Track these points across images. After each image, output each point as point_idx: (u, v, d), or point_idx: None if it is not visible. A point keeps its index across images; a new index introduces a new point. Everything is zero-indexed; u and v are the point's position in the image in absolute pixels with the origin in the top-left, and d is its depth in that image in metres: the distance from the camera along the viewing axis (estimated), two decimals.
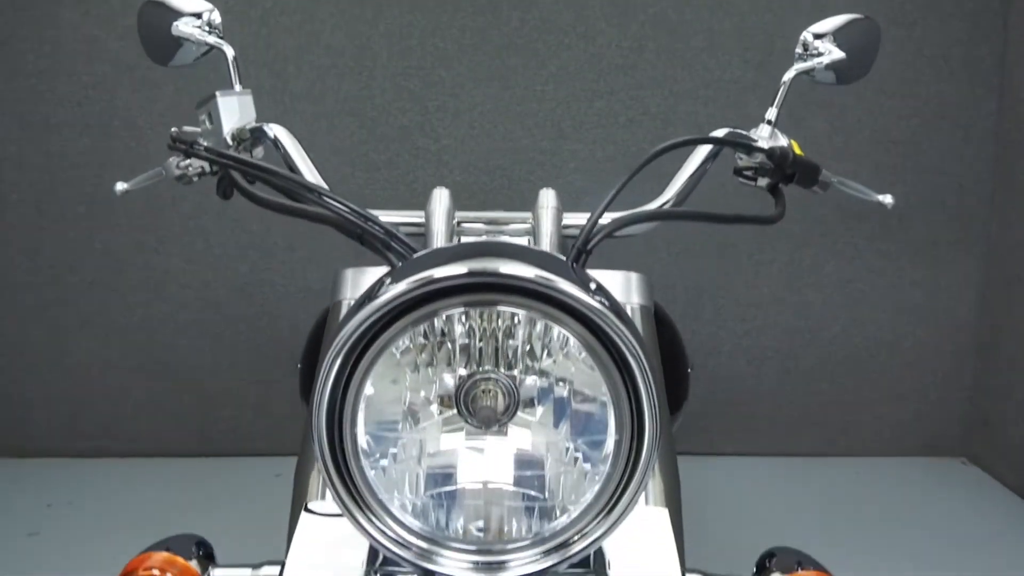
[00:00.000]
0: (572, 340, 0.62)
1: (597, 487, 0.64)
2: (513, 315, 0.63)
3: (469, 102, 2.47)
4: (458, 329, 0.63)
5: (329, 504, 0.75)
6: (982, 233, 2.61)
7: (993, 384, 2.62)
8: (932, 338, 2.65)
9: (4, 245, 2.52)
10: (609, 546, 0.71)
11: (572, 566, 0.69)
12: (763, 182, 1.03)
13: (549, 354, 0.63)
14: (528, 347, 0.64)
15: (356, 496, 0.63)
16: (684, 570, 0.70)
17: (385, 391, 0.64)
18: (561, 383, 0.64)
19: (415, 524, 0.65)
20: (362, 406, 0.62)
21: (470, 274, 0.59)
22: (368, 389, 0.63)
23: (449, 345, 0.64)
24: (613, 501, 0.63)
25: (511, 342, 0.63)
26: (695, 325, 2.56)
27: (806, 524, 2.28)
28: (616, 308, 0.61)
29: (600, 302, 0.60)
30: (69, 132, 2.48)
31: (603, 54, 2.46)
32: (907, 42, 2.48)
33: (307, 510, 0.74)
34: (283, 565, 0.69)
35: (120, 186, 1.13)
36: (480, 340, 0.63)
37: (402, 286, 0.59)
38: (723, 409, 2.66)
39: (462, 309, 0.62)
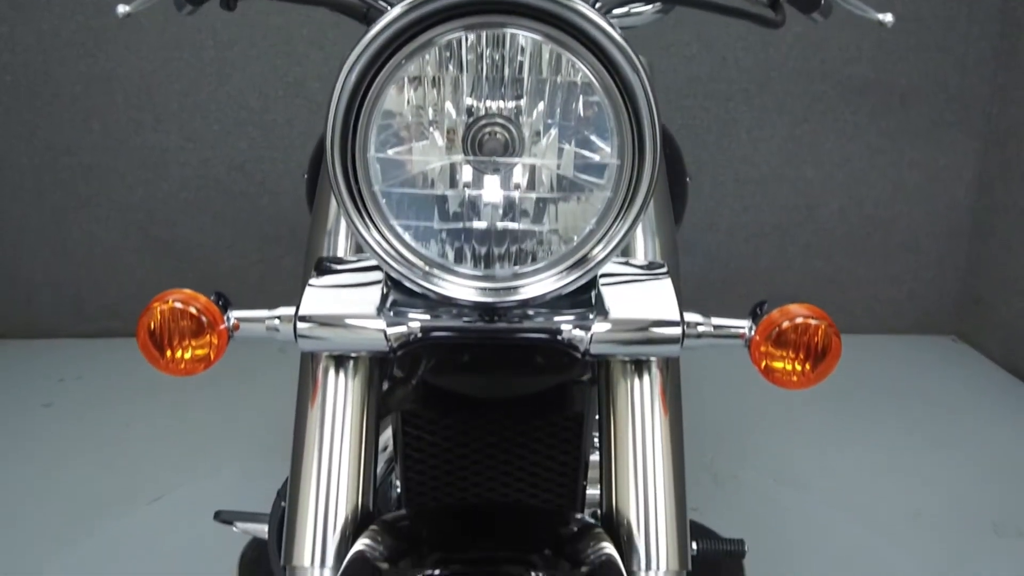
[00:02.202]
0: (581, 68, 0.63)
1: (598, 214, 0.66)
2: (518, 59, 0.64)
3: None
4: (464, 60, 0.64)
5: (333, 277, 0.76)
6: (983, 114, 2.60)
7: (986, 264, 2.65)
8: (928, 218, 2.67)
9: (0, 128, 2.51)
10: (609, 293, 0.73)
11: (575, 305, 0.72)
12: None
13: (557, 70, 0.64)
14: (535, 76, 0.64)
15: (367, 219, 0.65)
16: (682, 311, 0.72)
17: (392, 121, 0.65)
18: (565, 111, 0.65)
19: (423, 250, 0.67)
20: (372, 134, 0.64)
21: None
22: (376, 118, 0.64)
23: (455, 73, 0.64)
24: (615, 223, 0.65)
25: (520, 57, 0.64)
26: (694, 203, 2.57)
27: (799, 395, 2.35)
28: (629, 43, 0.62)
29: (617, 31, 0.61)
30: (61, 10, 2.43)
31: None
32: None
33: (311, 286, 0.73)
34: (297, 307, 0.71)
35: (121, 8, 1.11)
36: (486, 62, 0.64)
37: (399, 8, 0.60)
38: (720, 287, 2.69)
39: (462, 33, 0.62)
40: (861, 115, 2.56)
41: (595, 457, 0.92)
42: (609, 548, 0.68)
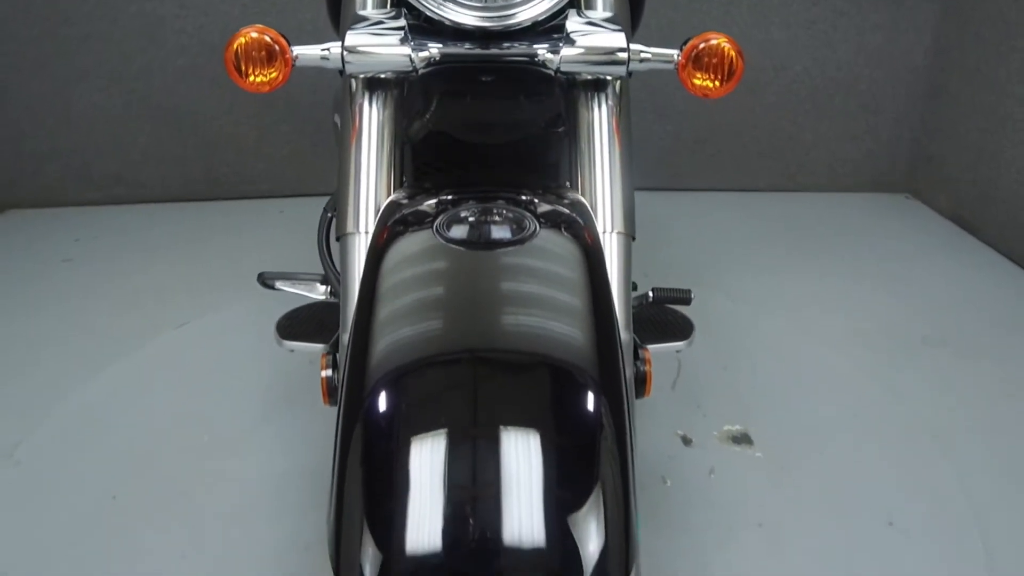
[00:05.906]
0: None
1: None
2: None
3: None
4: None
5: (367, 24, 0.95)
6: None
7: (938, 124, 2.83)
8: (888, 80, 2.82)
9: None
10: (574, 34, 0.95)
11: (549, 41, 0.95)
12: None
13: None
14: None
15: None
16: (629, 44, 0.93)
17: None
18: None
19: None
20: None
21: None
22: None
23: None
24: None
25: None
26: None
27: (762, 249, 2.56)
28: None
29: None
30: None
31: None
32: None
33: (351, 30, 0.93)
34: (342, 41, 0.91)
35: None
36: None
37: None
38: (690, 147, 2.87)
39: None
40: None
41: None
42: (580, 197, 0.96)
